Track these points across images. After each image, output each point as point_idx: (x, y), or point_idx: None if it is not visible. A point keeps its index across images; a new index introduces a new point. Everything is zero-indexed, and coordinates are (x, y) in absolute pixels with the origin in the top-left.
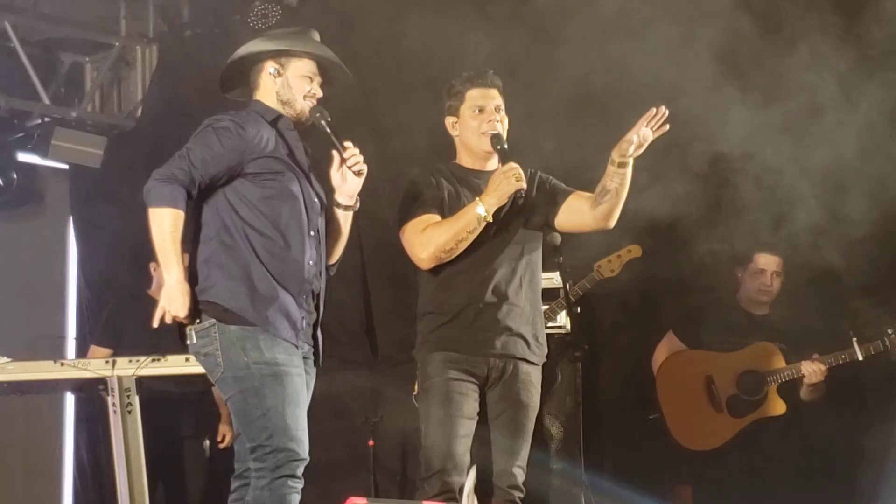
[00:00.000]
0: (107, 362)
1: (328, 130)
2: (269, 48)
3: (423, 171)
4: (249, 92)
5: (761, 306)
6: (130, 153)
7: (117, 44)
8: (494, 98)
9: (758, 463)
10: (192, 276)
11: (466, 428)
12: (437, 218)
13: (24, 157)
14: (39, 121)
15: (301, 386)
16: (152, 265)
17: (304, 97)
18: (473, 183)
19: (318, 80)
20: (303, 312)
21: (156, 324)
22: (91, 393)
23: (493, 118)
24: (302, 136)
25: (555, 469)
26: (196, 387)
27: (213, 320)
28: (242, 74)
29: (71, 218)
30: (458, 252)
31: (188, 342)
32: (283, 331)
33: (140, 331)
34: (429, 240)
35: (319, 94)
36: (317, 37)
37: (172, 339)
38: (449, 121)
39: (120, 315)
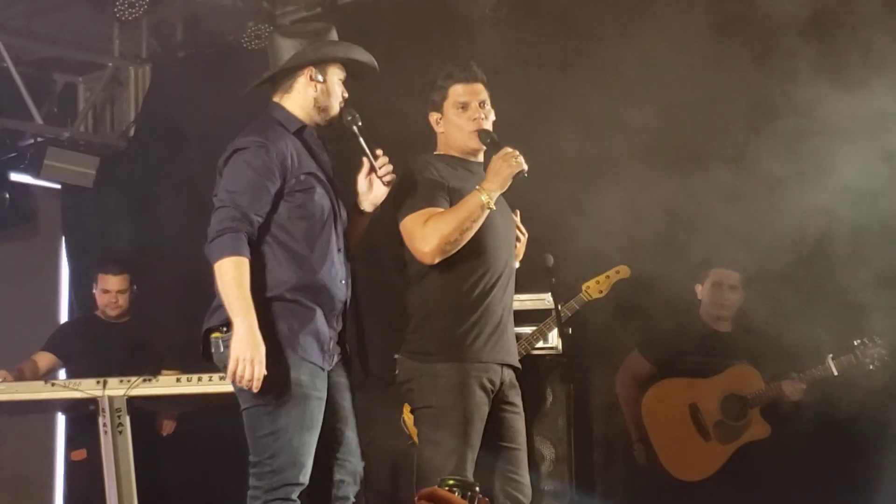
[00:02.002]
0: (97, 382)
1: (359, 137)
2: (324, 56)
3: (417, 162)
4: (271, 90)
5: (722, 322)
6: (123, 173)
7: (110, 64)
8: (479, 93)
9: (749, 487)
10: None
11: (475, 456)
12: (441, 209)
13: (16, 176)
14: (32, 140)
15: (318, 411)
16: (93, 286)
17: (340, 102)
18: (472, 169)
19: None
20: (332, 332)
21: (229, 378)
22: (81, 413)
23: (478, 115)
24: (325, 140)
25: (546, 490)
26: (186, 407)
27: None
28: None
29: (63, 238)
30: (463, 243)
31: (213, 350)
32: (312, 353)
33: (91, 350)
34: (431, 232)
35: (346, 95)
36: (335, 35)
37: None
38: (433, 117)
39: (69, 329)
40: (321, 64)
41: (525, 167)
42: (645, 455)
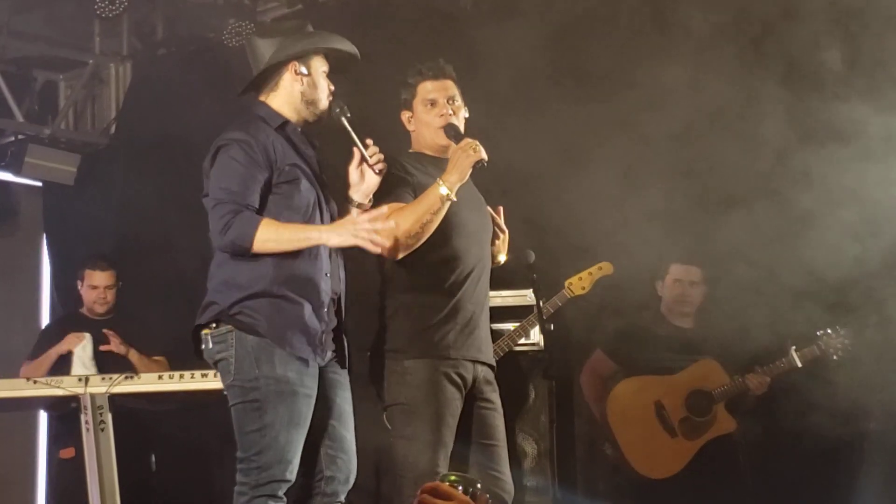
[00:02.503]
0: (79, 379)
1: (349, 128)
2: (306, 48)
3: (388, 160)
4: (256, 92)
5: (684, 318)
6: (104, 171)
7: (91, 61)
8: (448, 89)
9: (718, 481)
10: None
11: (449, 451)
12: (403, 204)
13: None
14: (13, 138)
15: (306, 408)
16: (78, 283)
17: (327, 95)
18: (443, 167)
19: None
20: (323, 325)
21: (372, 248)
22: (64, 410)
23: (446, 111)
24: (313, 135)
25: (528, 486)
26: (169, 405)
27: (231, 326)
28: (258, 78)
29: (45, 235)
30: (425, 237)
31: (203, 347)
32: (301, 348)
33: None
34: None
35: (332, 87)
36: (311, 29)
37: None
38: (405, 115)
39: (53, 331)
40: (304, 57)
41: (484, 156)
42: (613, 454)
